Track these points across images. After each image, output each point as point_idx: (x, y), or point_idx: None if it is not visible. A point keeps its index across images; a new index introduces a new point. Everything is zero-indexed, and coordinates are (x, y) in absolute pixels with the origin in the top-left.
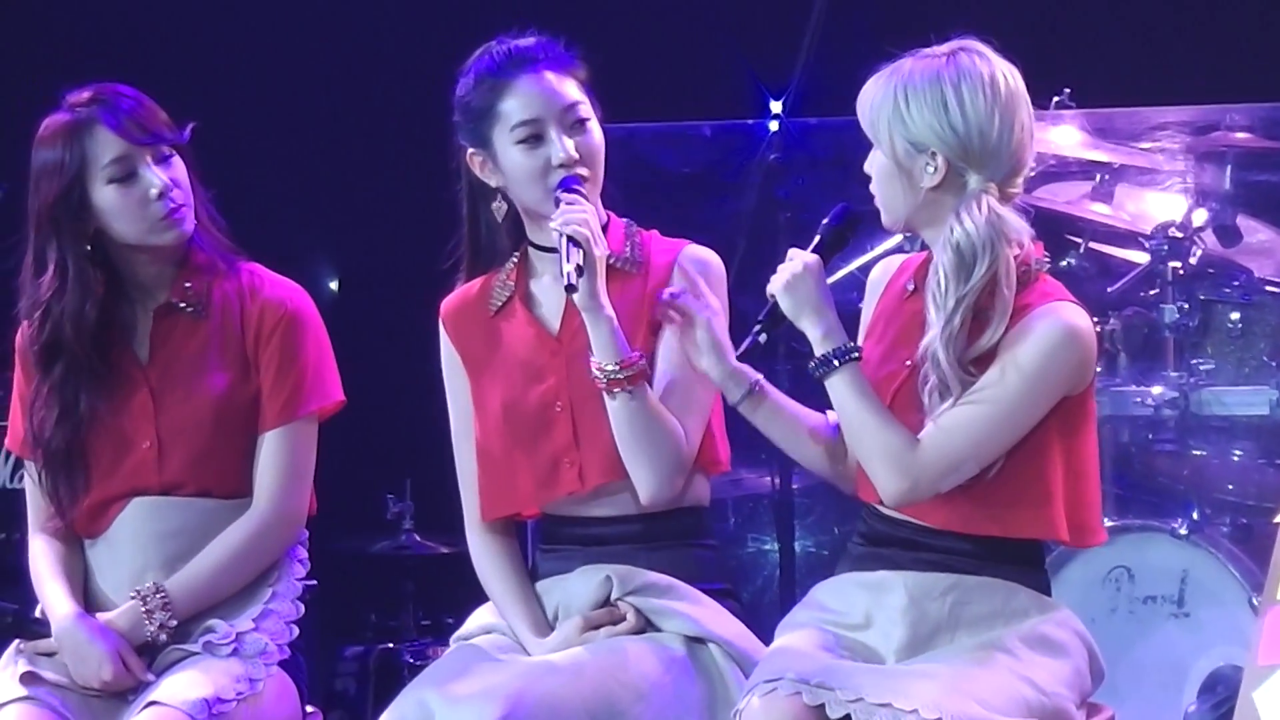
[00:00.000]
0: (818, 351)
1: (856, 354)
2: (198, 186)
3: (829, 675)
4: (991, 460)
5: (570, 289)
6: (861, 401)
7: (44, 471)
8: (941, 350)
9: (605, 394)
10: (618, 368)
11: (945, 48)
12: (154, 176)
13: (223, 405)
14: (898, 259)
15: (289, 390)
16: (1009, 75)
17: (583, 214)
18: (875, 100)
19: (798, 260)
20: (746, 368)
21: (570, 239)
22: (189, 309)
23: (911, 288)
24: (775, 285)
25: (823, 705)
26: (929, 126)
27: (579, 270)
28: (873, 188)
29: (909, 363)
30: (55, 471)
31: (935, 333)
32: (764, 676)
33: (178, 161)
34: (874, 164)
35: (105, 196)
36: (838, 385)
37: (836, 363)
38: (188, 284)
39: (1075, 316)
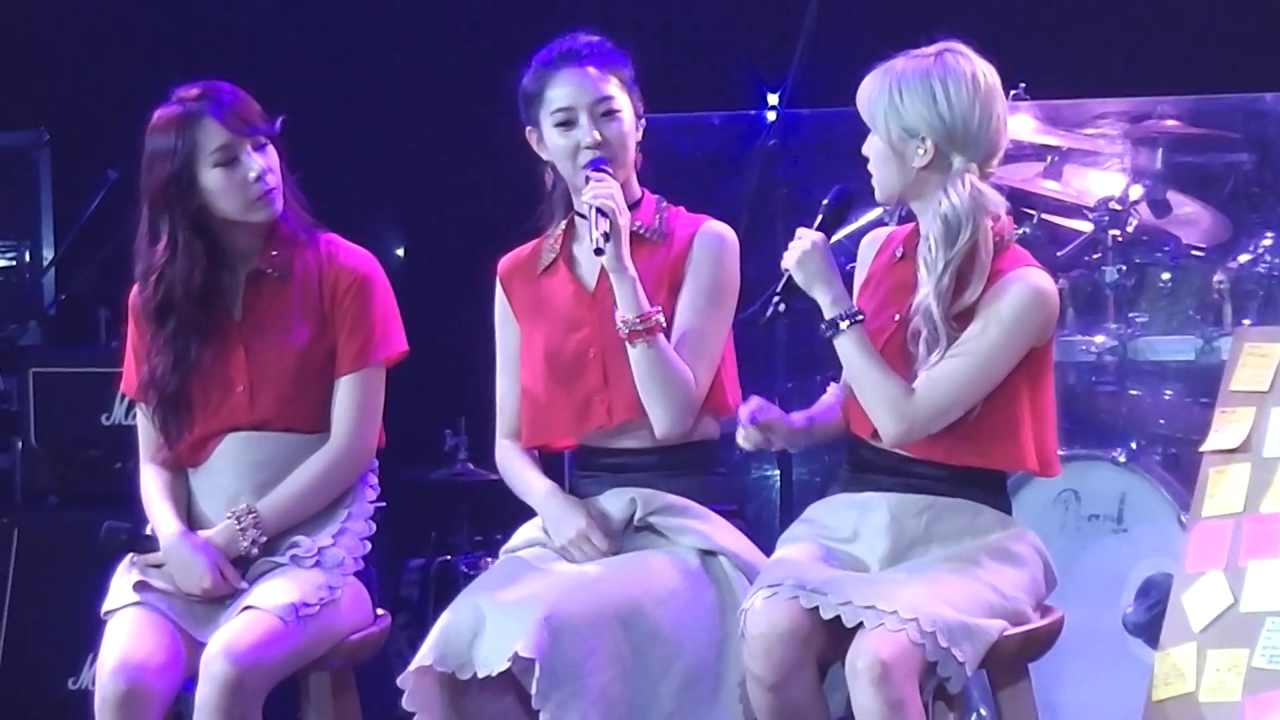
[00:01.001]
0: (827, 315)
1: (860, 317)
2: (285, 170)
3: (822, 582)
4: (974, 404)
5: (599, 252)
6: (865, 357)
7: (155, 411)
8: (934, 305)
9: (627, 342)
10: (638, 320)
11: (933, 49)
12: (252, 162)
13: (304, 355)
14: (885, 230)
15: (360, 341)
16: (987, 73)
17: (609, 189)
18: (873, 94)
19: (806, 238)
20: (800, 423)
21: (599, 210)
22: (275, 274)
23: (900, 254)
24: (789, 261)
25: (817, 607)
26: (920, 115)
27: (605, 236)
28: (870, 167)
29: (897, 318)
30: (165, 411)
31: (928, 290)
32: (767, 582)
33: (271, 150)
34: (871, 148)
35: (211, 179)
36: (845, 343)
37: (843, 324)
38: (274, 253)
39: (1042, 280)
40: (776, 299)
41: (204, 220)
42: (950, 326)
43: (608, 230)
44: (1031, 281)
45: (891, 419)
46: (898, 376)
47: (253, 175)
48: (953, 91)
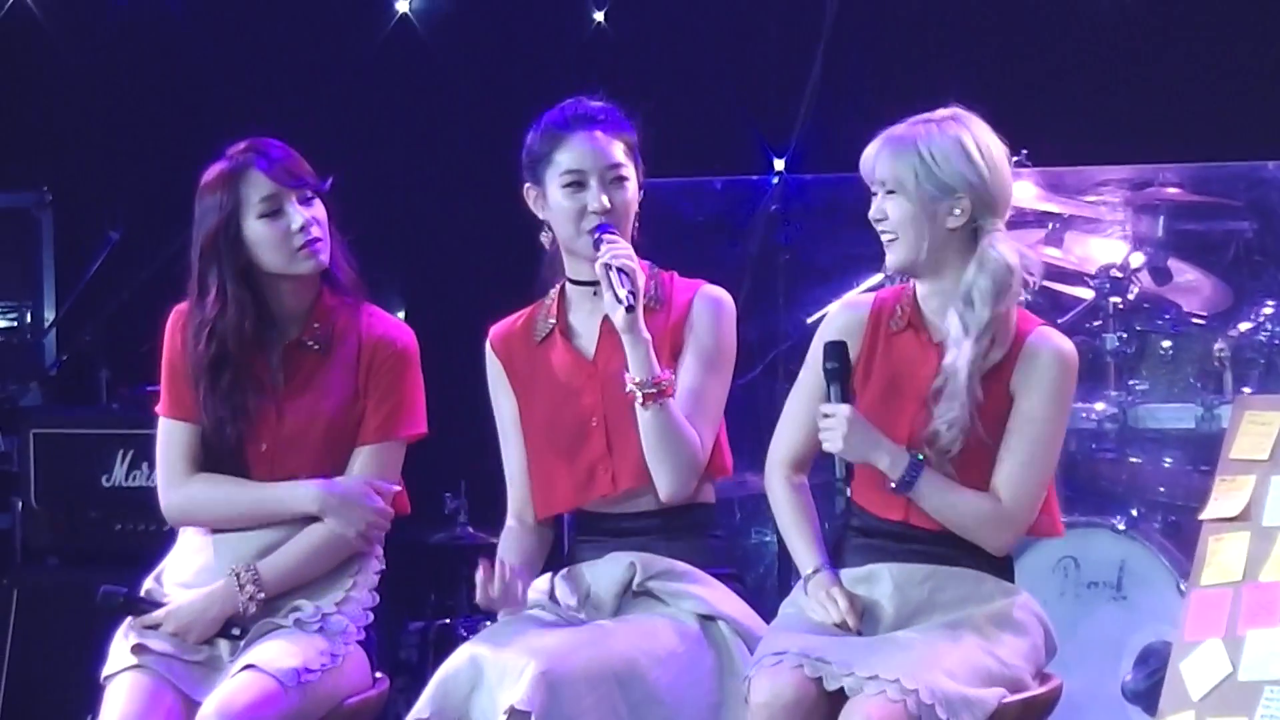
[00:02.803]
0: (893, 477)
1: (922, 463)
2: (335, 232)
3: (826, 651)
4: (1051, 478)
5: (631, 309)
6: (943, 494)
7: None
8: (964, 367)
9: (639, 406)
10: (651, 383)
11: (942, 112)
12: (296, 213)
13: (331, 424)
14: (862, 300)
15: (386, 413)
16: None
17: (626, 250)
18: (892, 154)
19: (838, 415)
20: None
21: (620, 270)
22: (315, 346)
23: (904, 323)
24: (833, 445)
25: (821, 677)
26: (958, 172)
27: (633, 294)
28: (890, 232)
29: (918, 400)
30: (227, 462)
31: (964, 350)
32: (771, 649)
33: (319, 204)
34: (896, 210)
35: (255, 230)
36: (921, 492)
37: (911, 478)
38: (317, 324)
39: (1064, 341)
40: (840, 484)
41: (252, 278)
42: (976, 386)
43: (633, 289)
44: (1056, 344)
45: (994, 533)
46: (977, 493)
47: (295, 225)
48: (984, 149)
